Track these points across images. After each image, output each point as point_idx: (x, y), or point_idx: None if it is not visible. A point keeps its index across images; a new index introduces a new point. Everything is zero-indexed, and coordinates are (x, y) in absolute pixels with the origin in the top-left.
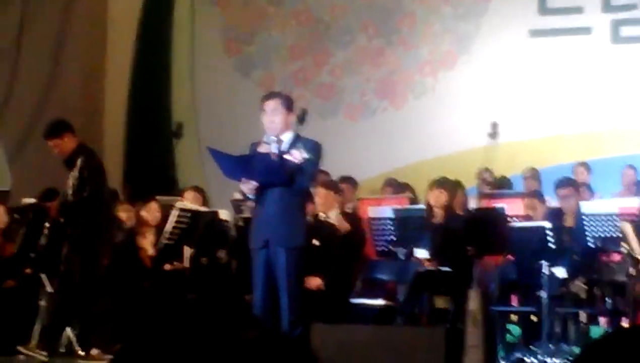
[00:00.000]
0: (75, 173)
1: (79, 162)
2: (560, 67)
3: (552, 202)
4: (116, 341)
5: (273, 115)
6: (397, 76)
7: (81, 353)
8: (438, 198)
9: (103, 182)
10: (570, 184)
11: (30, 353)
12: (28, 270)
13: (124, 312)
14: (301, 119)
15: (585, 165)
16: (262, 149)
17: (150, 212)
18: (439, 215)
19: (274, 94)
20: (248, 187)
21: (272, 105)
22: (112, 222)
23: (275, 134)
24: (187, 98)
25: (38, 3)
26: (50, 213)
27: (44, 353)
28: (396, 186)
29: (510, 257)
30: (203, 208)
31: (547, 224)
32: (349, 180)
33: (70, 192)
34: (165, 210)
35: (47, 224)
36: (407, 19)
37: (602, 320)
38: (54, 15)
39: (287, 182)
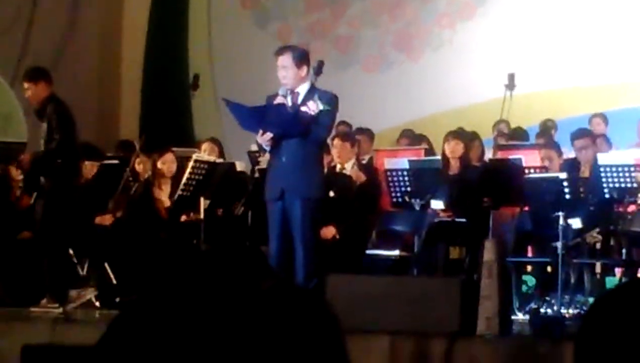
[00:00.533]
0: (44, 123)
1: (47, 110)
2: (577, 18)
3: (569, 153)
4: (131, 291)
5: (284, 70)
6: (414, 28)
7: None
8: (454, 149)
9: (73, 132)
10: (586, 135)
11: (42, 309)
12: None
13: (140, 263)
14: (318, 71)
15: (602, 116)
16: (278, 101)
17: (166, 163)
18: (455, 166)
19: (285, 48)
20: (264, 138)
21: (282, 60)
22: (79, 173)
23: (289, 87)
24: (204, 50)
25: None
26: (23, 165)
27: (56, 305)
28: (412, 138)
29: (526, 208)
30: (219, 160)
31: (563, 175)
32: (365, 132)
33: (42, 142)
34: (182, 162)
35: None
36: None
37: (618, 270)
38: None
39: (303, 133)
